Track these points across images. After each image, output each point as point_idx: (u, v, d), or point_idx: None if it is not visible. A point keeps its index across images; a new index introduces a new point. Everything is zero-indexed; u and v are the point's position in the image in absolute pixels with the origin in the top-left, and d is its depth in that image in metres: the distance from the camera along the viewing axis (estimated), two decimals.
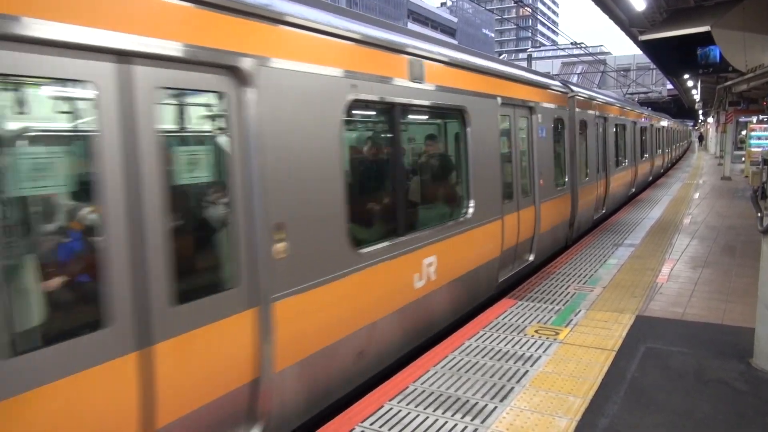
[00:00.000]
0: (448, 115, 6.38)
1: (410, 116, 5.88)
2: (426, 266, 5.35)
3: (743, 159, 25.19)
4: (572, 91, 10.34)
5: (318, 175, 3.98)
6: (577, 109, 10.38)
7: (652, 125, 21.53)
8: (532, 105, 8.11)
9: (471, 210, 6.23)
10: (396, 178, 5.18)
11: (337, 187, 4.17)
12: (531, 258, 8.10)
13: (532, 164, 8.19)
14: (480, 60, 6.82)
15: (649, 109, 25.45)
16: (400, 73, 5.00)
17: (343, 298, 4.24)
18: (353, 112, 4.73)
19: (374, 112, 5.38)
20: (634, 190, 17.22)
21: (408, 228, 5.20)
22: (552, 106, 9.04)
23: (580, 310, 6.10)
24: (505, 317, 5.94)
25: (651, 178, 21.41)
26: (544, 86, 8.92)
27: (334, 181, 4.14)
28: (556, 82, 10.11)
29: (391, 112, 5.01)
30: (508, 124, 7.51)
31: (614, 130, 14.05)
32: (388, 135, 5.19)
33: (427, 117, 6.43)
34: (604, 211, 12.82)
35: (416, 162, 6.23)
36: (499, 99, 6.97)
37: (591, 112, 11.55)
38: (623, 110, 15.64)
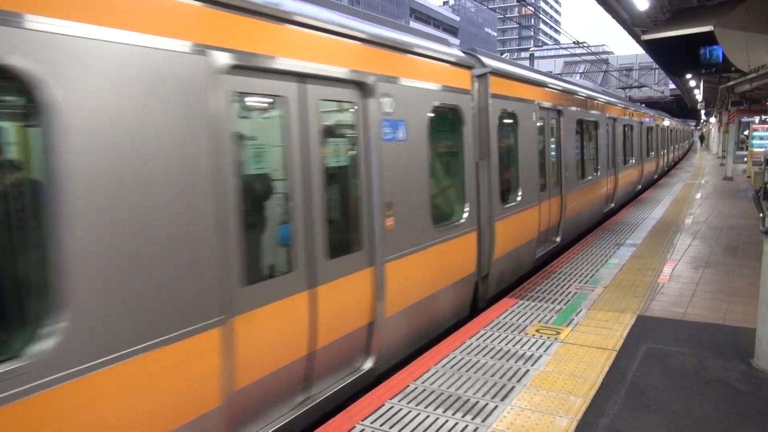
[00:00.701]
0: None
1: None
2: None
3: (745, 159, 25.16)
4: (483, 64, 6.52)
5: None
6: (494, 95, 6.65)
7: (641, 123, 17.90)
8: (362, 80, 4.41)
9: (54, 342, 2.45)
10: None
11: None
12: (368, 365, 4.60)
13: (367, 193, 4.54)
14: None
15: (643, 105, 23.85)
16: None
17: None
18: None
19: None
20: (613, 205, 13.64)
21: None
22: (427, 85, 5.38)
23: (581, 310, 6.10)
24: (506, 316, 5.94)
25: (640, 187, 17.89)
26: (398, 47, 4.96)
27: None
28: (446, 48, 6.00)
29: None
30: (277, 116, 3.82)
31: (576, 128, 10.47)
32: None
33: None
34: (558, 242, 9.27)
35: None
36: (219, 58, 3.20)
37: (528, 101, 7.87)
38: (592, 102, 11.73)
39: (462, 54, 6.33)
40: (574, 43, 26.38)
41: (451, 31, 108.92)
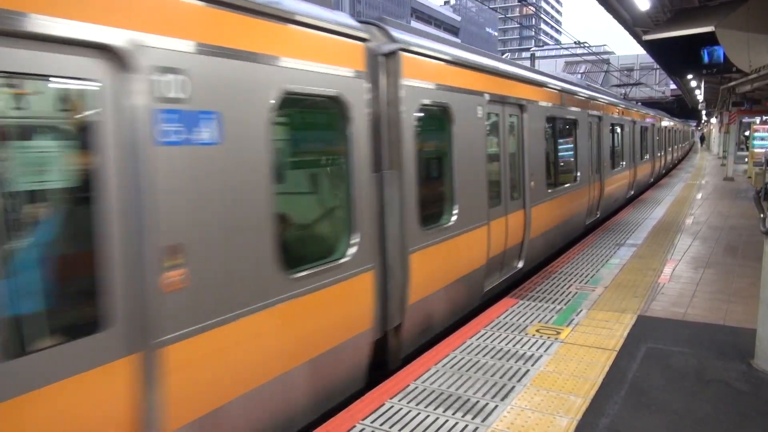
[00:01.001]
0: None
1: None
2: None
3: (746, 160, 25.17)
4: (393, 39, 4.81)
5: None
6: (412, 82, 4.97)
7: (634, 123, 16.33)
8: (106, 43, 2.60)
9: None
10: None
11: None
12: None
13: (121, 232, 2.72)
14: None
15: (640, 104, 23.21)
16: None
17: None
18: None
19: None
20: (598, 215, 12.12)
21: None
22: (268, 60, 3.53)
23: (581, 310, 6.10)
24: (506, 316, 5.95)
25: (632, 193, 16.34)
26: None
27: None
28: (319, 10, 4.06)
29: None
30: None
31: (547, 127, 8.72)
32: None
33: None
34: (520, 267, 7.61)
35: None
36: None
37: (470, 91, 6.13)
38: (570, 97, 9.87)
39: (351, 22, 4.40)
40: (575, 43, 26.35)
41: (452, 31, 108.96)
